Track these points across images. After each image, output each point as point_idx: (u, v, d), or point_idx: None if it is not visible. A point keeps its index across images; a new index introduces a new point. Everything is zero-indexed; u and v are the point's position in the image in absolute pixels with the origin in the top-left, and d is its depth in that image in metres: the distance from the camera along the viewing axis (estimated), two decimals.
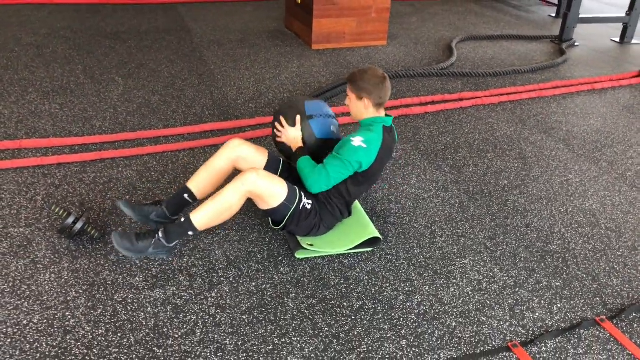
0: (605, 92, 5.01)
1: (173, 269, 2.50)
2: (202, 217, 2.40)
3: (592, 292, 2.55)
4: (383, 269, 2.60)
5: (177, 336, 2.15)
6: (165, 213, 2.60)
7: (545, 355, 2.18)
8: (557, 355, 2.18)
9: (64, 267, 2.47)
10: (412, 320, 2.31)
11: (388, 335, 2.23)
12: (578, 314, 2.41)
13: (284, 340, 2.17)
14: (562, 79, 5.19)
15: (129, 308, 2.27)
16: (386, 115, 2.70)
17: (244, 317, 2.27)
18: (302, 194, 2.57)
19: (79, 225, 2.58)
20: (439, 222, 2.96)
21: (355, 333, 2.23)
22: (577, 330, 2.30)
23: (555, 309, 2.44)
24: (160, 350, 2.08)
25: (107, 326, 2.17)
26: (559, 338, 2.26)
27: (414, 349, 2.17)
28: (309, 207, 2.58)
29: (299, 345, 2.14)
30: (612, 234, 2.97)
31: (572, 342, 2.25)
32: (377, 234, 2.69)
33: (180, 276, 2.46)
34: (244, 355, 2.09)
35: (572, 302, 2.48)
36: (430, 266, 2.64)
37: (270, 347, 2.13)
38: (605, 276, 2.65)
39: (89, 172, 3.20)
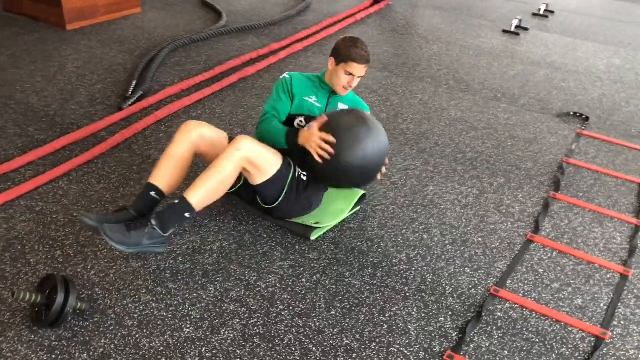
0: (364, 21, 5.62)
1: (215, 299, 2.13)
2: (198, 194, 2.16)
3: (527, 175, 3.10)
4: (391, 220, 2.69)
5: None
6: (132, 214, 2.18)
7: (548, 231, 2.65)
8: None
9: None
10: (445, 237, 2.51)
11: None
12: (540, 193, 2.94)
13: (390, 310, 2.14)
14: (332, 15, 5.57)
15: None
16: None
17: (332, 312, 2.16)
18: (294, 164, 2.43)
19: (72, 303, 1.95)
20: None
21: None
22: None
23: (520, 195, 2.91)
24: None
25: None
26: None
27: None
28: (304, 178, 2.46)
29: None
30: (490, 131, 3.58)
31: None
32: (363, 191, 2.73)
33: (232, 305, 2.12)
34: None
35: (525, 187, 2.99)
36: (414, 202, 2.82)
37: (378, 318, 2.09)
38: (517, 160, 3.24)
39: None
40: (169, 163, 2.31)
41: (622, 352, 2.05)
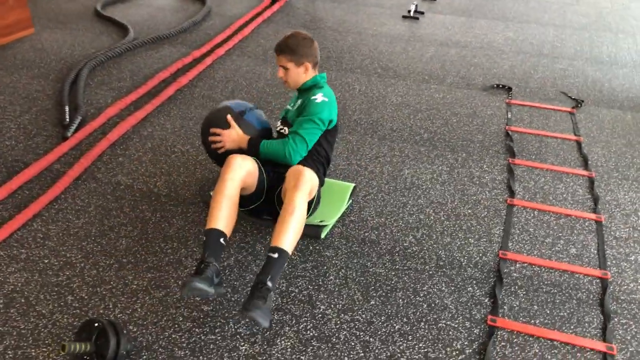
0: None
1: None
2: (290, 240, 2.11)
3: (482, 146, 3.36)
4: (385, 207, 2.81)
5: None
6: (217, 267, 2.10)
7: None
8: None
9: None
10: (450, 212, 2.69)
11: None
12: (500, 161, 3.21)
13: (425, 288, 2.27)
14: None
15: None
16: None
17: (372, 302, 2.24)
18: None
19: (125, 346, 1.86)
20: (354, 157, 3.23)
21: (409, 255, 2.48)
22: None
23: (485, 165, 3.16)
24: None
25: None
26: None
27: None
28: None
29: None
30: (433, 111, 3.81)
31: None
32: (353, 184, 2.82)
33: (275, 315, 2.13)
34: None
35: (485, 158, 3.25)
36: (397, 187, 2.96)
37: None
38: (467, 134, 3.50)
39: None
40: (226, 205, 2.21)
41: (625, 287, 2.34)
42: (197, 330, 2.06)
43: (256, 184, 2.41)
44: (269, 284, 1.98)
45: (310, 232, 2.53)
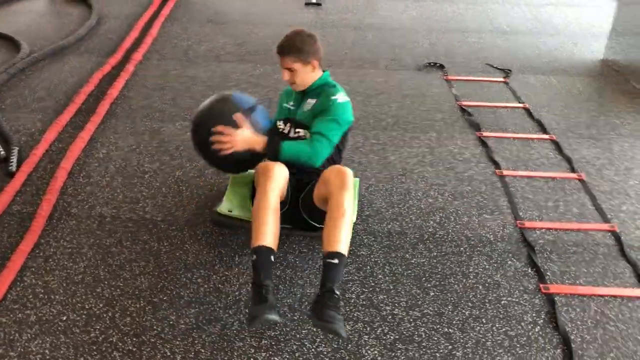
0: None
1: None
2: (344, 243, 2.01)
3: (446, 123, 3.48)
4: (391, 196, 2.81)
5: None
6: (273, 287, 1.96)
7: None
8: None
9: None
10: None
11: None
12: (469, 135, 3.34)
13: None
14: None
15: None
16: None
17: (431, 293, 2.25)
18: None
19: None
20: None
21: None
22: None
23: (459, 141, 3.28)
24: None
25: None
26: None
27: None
28: None
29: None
30: (384, 95, 3.86)
31: None
32: (357, 178, 2.79)
33: (347, 325, 2.06)
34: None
35: (455, 134, 3.36)
36: (393, 174, 2.98)
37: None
38: (427, 113, 3.61)
39: None
40: (272, 218, 2.05)
41: (633, 236, 2.57)
42: (276, 358, 1.91)
43: (286, 193, 2.27)
44: (338, 291, 1.89)
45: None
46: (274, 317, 1.84)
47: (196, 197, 2.73)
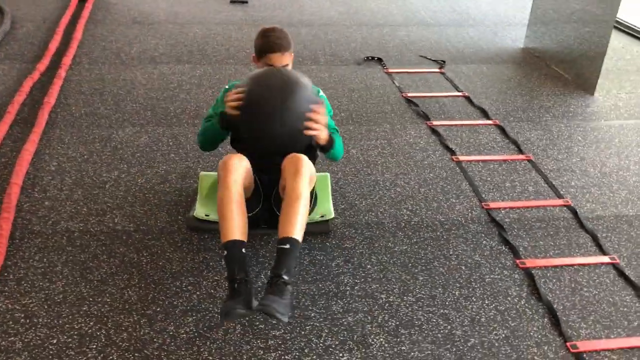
0: None
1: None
2: (301, 229, 2.00)
3: (397, 115, 3.59)
4: (360, 188, 2.86)
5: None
6: (250, 281, 1.92)
7: None
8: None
9: None
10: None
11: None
12: (420, 125, 3.47)
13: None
14: None
15: None
16: None
17: (420, 278, 2.33)
18: None
19: None
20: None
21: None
22: None
23: (412, 131, 3.40)
24: None
25: None
26: None
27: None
28: None
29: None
30: (331, 91, 3.91)
31: None
32: (327, 173, 2.83)
33: (349, 317, 2.11)
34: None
35: (407, 125, 3.48)
36: (357, 167, 3.04)
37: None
38: (375, 106, 3.71)
39: None
40: (237, 211, 2.01)
41: (585, 209, 2.79)
42: (287, 357, 1.92)
43: (253, 186, 2.25)
44: (285, 277, 1.87)
45: (318, 229, 2.47)
46: (244, 311, 1.80)
47: (165, 204, 2.65)
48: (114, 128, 3.27)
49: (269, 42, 2.31)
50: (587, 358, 1.96)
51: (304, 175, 2.07)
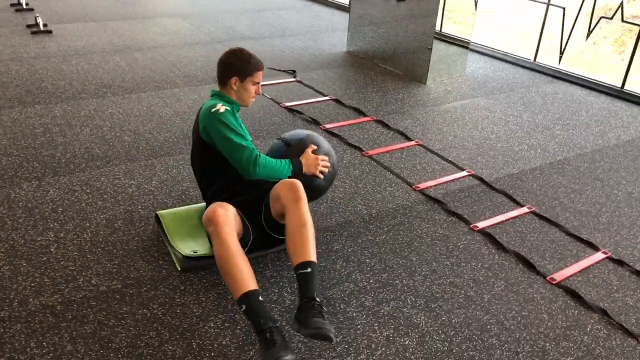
0: None
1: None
2: (313, 250, 2.11)
3: (262, 124, 3.78)
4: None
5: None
6: (279, 328, 1.96)
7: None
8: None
9: None
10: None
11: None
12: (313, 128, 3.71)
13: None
14: None
15: None
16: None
17: (414, 257, 2.60)
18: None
19: None
20: None
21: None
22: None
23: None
24: None
25: None
26: None
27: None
28: None
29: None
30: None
31: None
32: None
33: (354, 312, 2.31)
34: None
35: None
36: None
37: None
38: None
39: None
40: (241, 261, 1.98)
41: (487, 176, 3.35)
42: (362, 357, 2.02)
43: (242, 224, 2.25)
44: (318, 299, 1.96)
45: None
46: (289, 356, 1.80)
47: (134, 253, 2.44)
48: (8, 187, 2.81)
49: (257, 62, 2.39)
50: (564, 284, 2.45)
51: (305, 200, 2.16)
